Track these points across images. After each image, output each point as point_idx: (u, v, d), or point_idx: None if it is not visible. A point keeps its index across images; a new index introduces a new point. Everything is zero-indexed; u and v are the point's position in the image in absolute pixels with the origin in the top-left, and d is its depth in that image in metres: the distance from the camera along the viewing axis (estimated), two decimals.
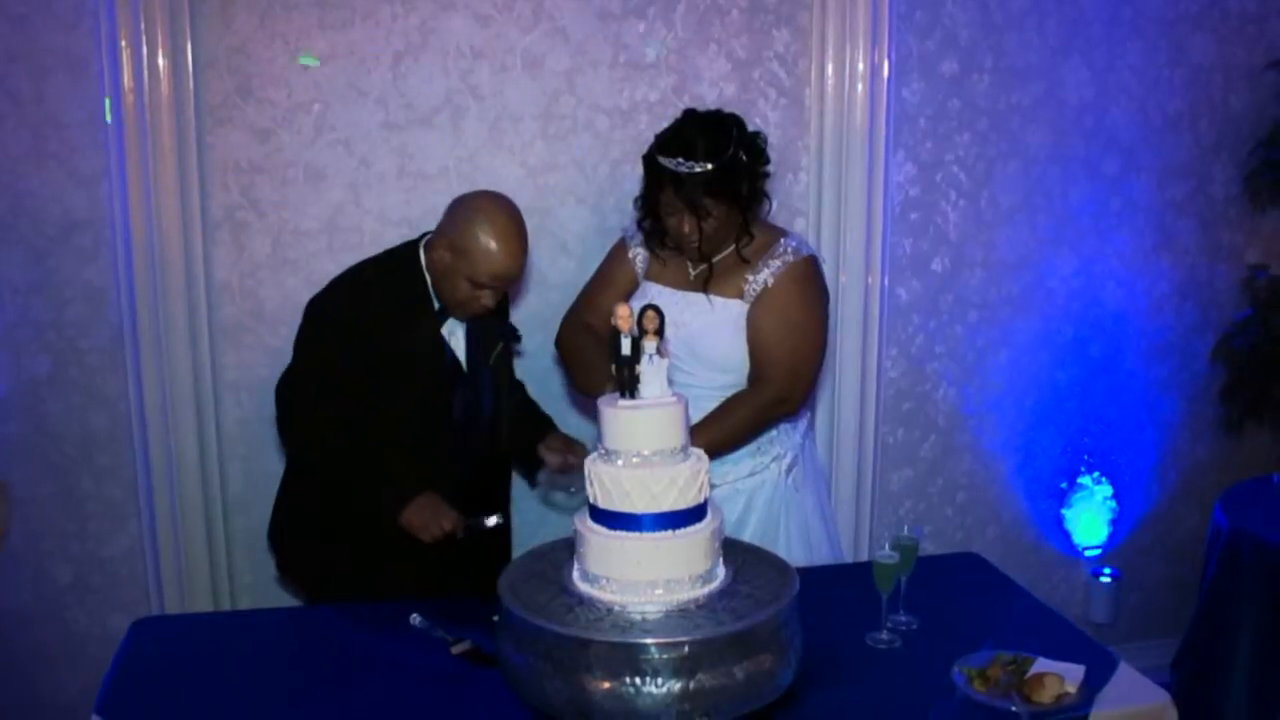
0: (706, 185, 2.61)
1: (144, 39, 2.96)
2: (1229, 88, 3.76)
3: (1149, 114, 3.71)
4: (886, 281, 3.56)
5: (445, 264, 2.56)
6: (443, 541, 2.57)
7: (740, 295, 2.75)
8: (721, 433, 2.70)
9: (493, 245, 2.51)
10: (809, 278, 2.78)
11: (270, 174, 3.12)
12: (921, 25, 3.45)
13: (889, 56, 3.40)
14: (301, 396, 2.66)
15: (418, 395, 2.64)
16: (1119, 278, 3.80)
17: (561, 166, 3.28)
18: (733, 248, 2.75)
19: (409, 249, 2.68)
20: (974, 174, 3.60)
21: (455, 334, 2.68)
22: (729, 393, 2.76)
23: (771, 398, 2.73)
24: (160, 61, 2.98)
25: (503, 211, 2.56)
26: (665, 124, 2.80)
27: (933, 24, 3.46)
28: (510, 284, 2.69)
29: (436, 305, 2.64)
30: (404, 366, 2.61)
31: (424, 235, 2.70)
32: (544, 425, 2.84)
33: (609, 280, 2.93)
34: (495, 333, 2.72)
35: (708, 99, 3.23)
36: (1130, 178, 3.74)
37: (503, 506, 2.97)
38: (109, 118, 3.00)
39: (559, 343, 2.95)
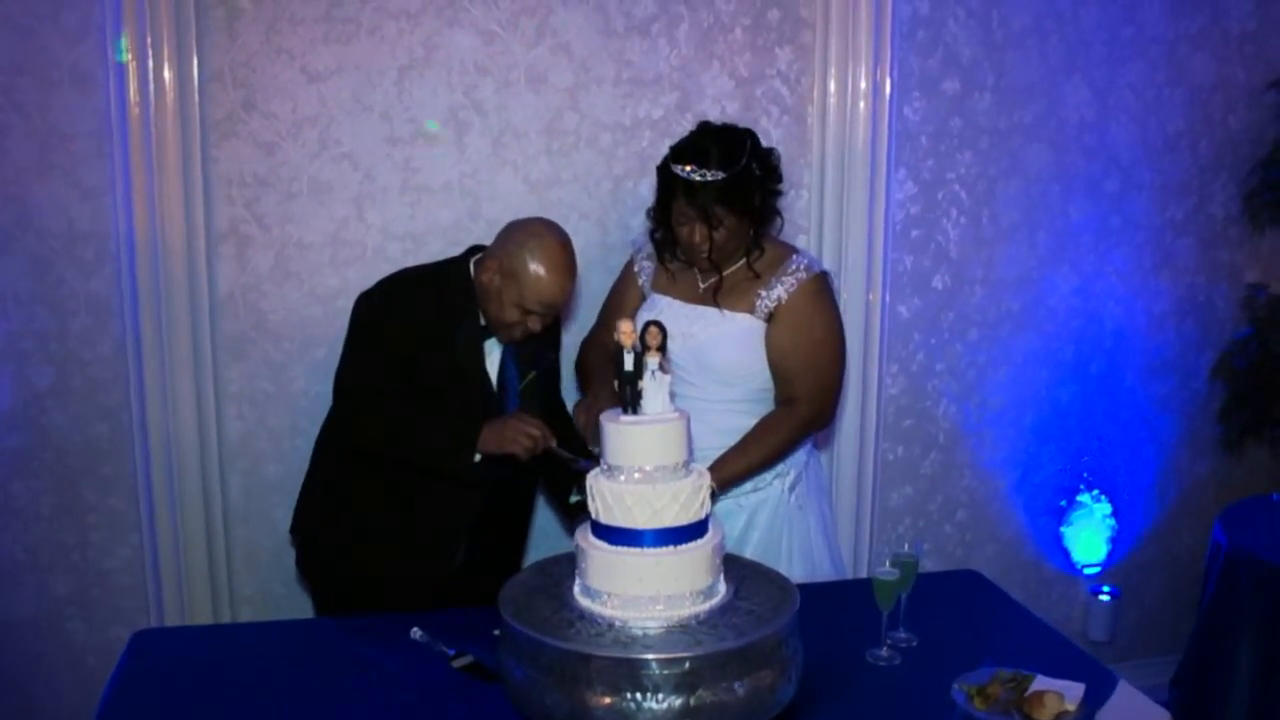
0: (719, 194, 2.64)
1: (150, 52, 2.97)
2: (1229, 108, 3.78)
3: (1149, 133, 3.72)
4: (887, 298, 3.57)
5: (495, 286, 2.59)
6: (540, 458, 2.58)
7: (751, 310, 2.77)
8: (761, 455, 2.77)
9: (542, 272, 2.55)
10: (823, 293, 2.81)
11: (274, 187, 3.13)
12: (923, 44, 3.47)
13: (891, 75, 3.42)
14: (359, 381, 2.68)
15: (448, 405, 2.65)
16: (1119, 296, 3.81)
17: (564, 182, 3.29)
18: (743, 261, 2.77)
19: (460, 262, 2.72)
20: (975, 192, 3.61)
21: (493, 353, 2.71)
22: (735, 406, 2.78)
23: (805, 416, 2.79)
24: (166, 75, 2.99)
25: (554, 239, 2.60)
26: (669, 140, 2.83)
27: (935, 43, 3.48)
28: (557, 311, 2.71)
29: (482, 322, 2.67)
30: (440, 372, 2.64)
31: (473, 250, 2.74)
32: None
33: (620, 300, 2.97)
34: (531, 359, 2.74)
35: (710, 116, 3.23)
36: (1130, 196, 3.75)
37: (521, 534, 2.99)
38: (114, 130, 3.01)
39: (580, 365, 3.00)
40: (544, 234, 2.61)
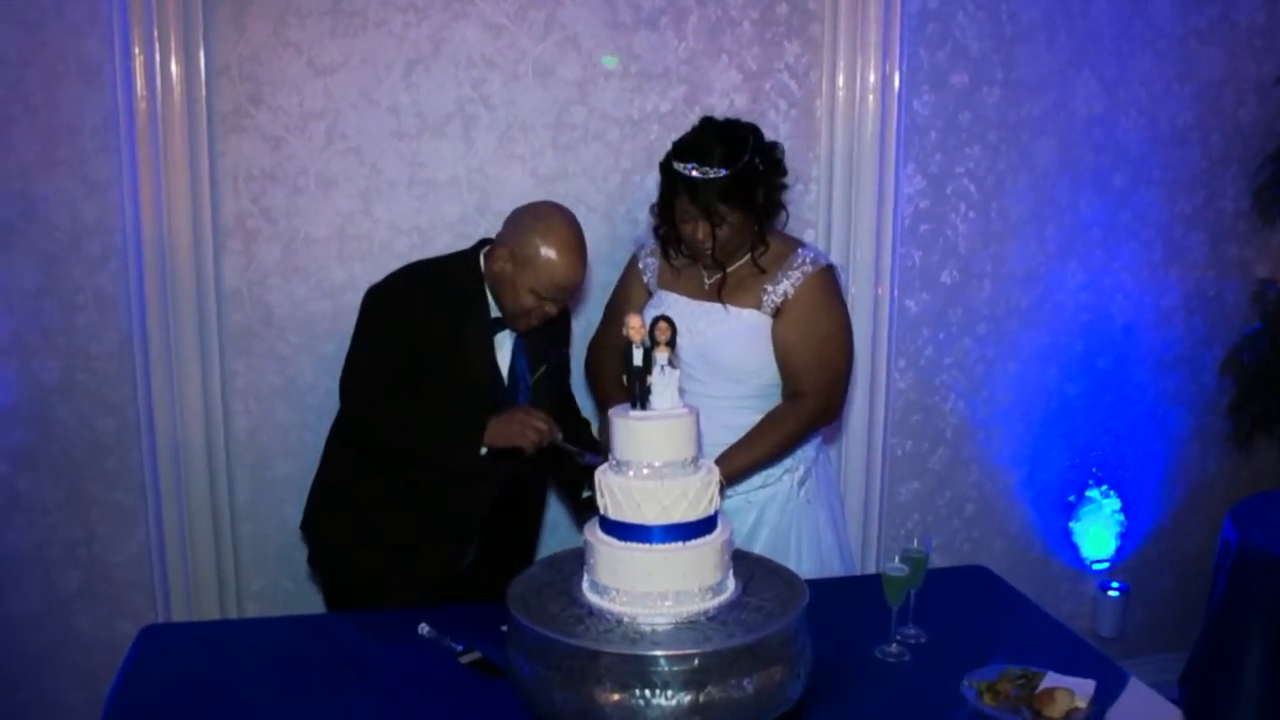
0: (721, 191, 2.62)
1: (157, 46, 2.96)
2: (1239, 102, 3.76)
3: (1159, 127, 3.71)
4: (896, 293, 3.56)
5: (507, 274, 2.57)
6: (547, 451, 2.57)
7: (757, 305, 2.75)
8: (767, 449, 2.76)
9: (554, 255, 2.54)
10: (830, 287, 2.79)
11: (281, 182, 3.12)
12: (932, 37, 3.45)
13: (900, 68, 3.40)
14: (366, 377, 2.66)
15: (458, 399, 2.64)
16: (1127, 291, 3.80)
17: (572, 176, 3.28)
18: (748, 257, 2.76)
19: (469, 255, 2.71)
20: (984, 186, 3.60)
21: (504, 346, 2.70)
22: (743, 403, 2.77)
23: (812, 410, 2.77)
24: (173, 68, 2.98)
25: (564, 222, 2.59)
26: (676, 134, 2.82)
27: (944, 36, 3.46)
28: (571, 294, 2.71)
29: (493, 314, 2.66)
30: (450, 367, 2.63)
31: (482, 243, 2.72)
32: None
33: (626, 298, 2.96)
34: (541, 353, 2.73)
35: (718, 110, 3.23)
36: (1139, 191, 3.74)
37: (533, 533, 2.98)
38: (120, 124, 3.00)
39: (589, 369, 2.99)
40: (552, 215, 2.60)
